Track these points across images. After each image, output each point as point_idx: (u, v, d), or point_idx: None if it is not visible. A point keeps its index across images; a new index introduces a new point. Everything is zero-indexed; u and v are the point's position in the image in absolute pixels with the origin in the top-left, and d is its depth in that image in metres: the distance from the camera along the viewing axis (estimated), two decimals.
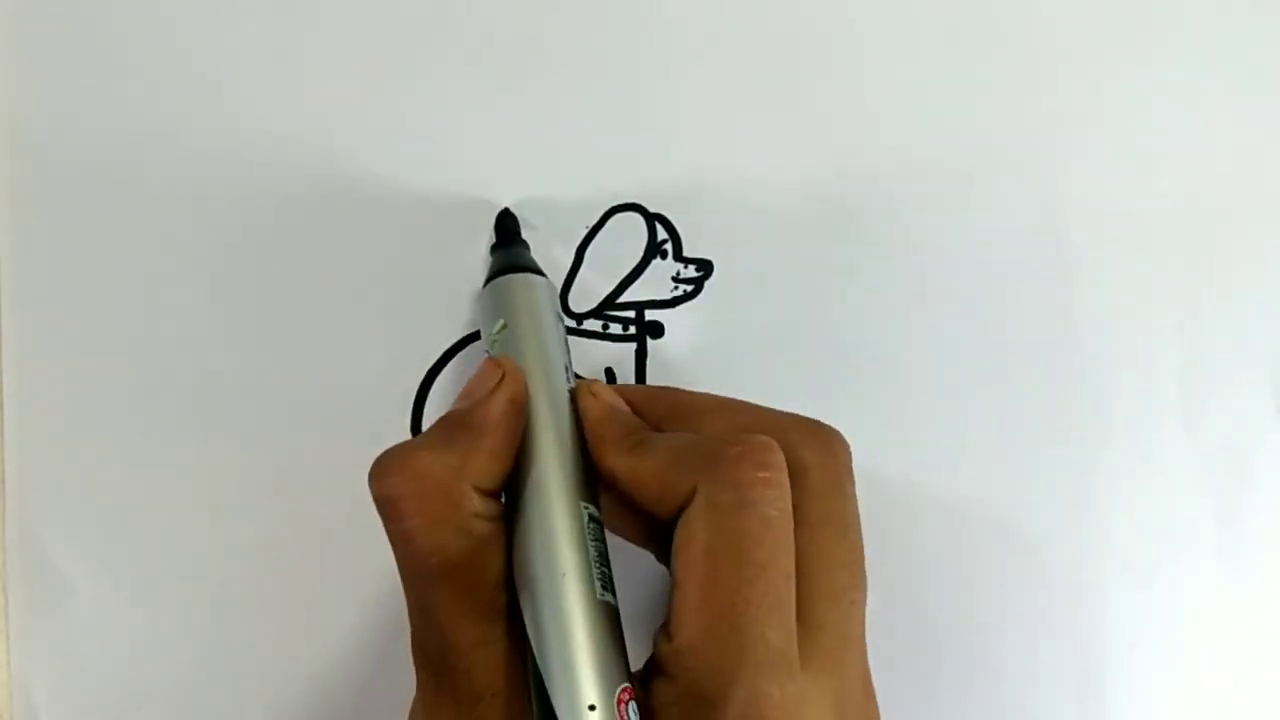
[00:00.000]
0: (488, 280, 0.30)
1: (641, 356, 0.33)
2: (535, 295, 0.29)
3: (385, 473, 0.24)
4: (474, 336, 0.32)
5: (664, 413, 0.27)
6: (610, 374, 0.33)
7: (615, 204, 0.33)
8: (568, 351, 0.28)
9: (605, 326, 0.33)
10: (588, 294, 0.33)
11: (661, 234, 0.33)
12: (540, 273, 0.30)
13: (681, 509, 0.24)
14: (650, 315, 0.33)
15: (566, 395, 0.27)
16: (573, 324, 0.33)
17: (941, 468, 0.33)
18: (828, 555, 0.24)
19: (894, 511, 0.33)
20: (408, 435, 0.32)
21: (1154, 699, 0.33)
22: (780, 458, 0.23)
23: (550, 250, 0.33)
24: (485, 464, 0.24)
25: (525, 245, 0.32)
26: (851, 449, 0.26)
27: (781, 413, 0.26)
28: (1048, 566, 0.33)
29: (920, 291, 0.33)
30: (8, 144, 0.32)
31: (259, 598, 0.32)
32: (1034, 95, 0.34)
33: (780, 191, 0.33)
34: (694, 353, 0.33)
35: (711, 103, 0.33)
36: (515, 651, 0.24)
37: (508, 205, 0.32)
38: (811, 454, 0.25)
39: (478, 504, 0.24)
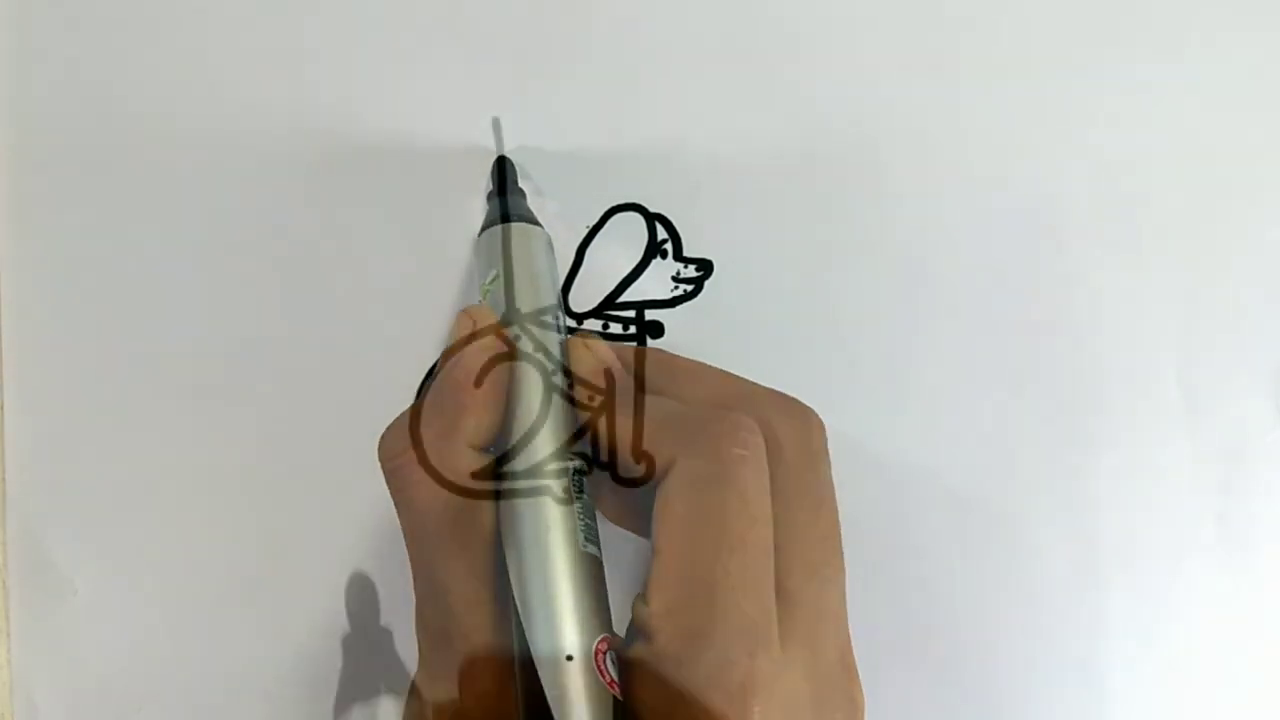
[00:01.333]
0: (483, 229, 0.30)
1: None
2: (530, 244, 0.29)
3: (385, 444, 0.25)
4: None
5: (649, 372, 0.27)
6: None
7: (615, 204, 0.33)
8: (561, 301, 0.28)
9: (605, 326, 0.33)
10: (588, 294, 0.33)
11: (661, 234, 0.33)
12: (536, 222, 0.30)
13: (659, 478, 0.24)
14: (650, 315, 0.33)
15: (558, 345, 0.27)
16: (573, 324, 0.33)
17: (941, 467, 0.33)
18: (803, 529, 0.25)
19: (893, 510, 0.33)
20: None
21: (1153, 699, 0.33)
22: (758, 436, 0.24)
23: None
24: (475, 419, 0.25)
25: (521, 194, 0.31)
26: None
27: (758, 386, 0.26)
28: (1047, 566, 0.33)
29: (921, 292, 0.33)
30: (7, 143, 0.32)
31: (259, 597, 0.32)
32: (1036, 93, 0.34)
33: (782, 192, 0.33)
34: (694, 353, 0.33)
35: (712, 101, 0.33)
36: (505, 611, 0.24)
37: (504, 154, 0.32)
38: (786, 429, 0.25)
39: (473, 460, 0.24)
